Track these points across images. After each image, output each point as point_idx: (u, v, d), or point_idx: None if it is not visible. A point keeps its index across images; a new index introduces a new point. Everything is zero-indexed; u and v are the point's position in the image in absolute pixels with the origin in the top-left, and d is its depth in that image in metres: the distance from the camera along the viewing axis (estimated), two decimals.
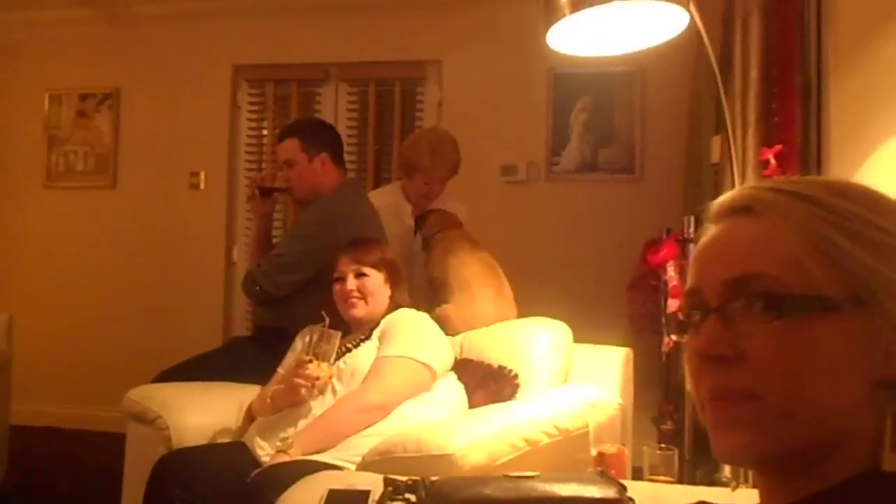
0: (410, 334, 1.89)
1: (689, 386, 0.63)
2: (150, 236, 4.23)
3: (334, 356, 1.84)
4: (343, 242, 2.03)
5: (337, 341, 1.85)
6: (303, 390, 1.77)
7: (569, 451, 1.65)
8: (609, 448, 1.52)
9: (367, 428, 1.71)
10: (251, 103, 4.19)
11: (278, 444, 1.67)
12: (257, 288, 2.37)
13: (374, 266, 1.95)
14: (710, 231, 0.64)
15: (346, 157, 3.85)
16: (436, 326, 2.01)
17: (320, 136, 2.57)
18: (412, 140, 2.94)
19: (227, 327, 4.16)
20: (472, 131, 3.85)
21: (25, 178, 4.41)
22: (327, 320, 1.87)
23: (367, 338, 1.91)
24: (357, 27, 3.99)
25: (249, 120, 4.19)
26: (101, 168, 4.32)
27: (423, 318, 1.99)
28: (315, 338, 1.89)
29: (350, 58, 4.00)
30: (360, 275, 1.94)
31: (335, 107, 4.09)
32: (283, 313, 2.35)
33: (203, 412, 1.95)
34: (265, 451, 1.73)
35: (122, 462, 2.10)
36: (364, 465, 1.56)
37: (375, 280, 1.95)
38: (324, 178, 2.49)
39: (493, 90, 3.85)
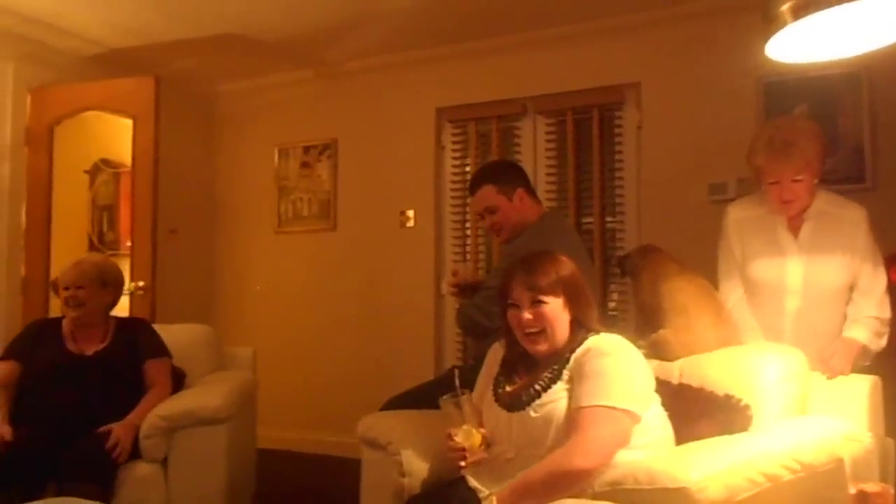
0: (605, 375, 1.69)
1: None
2: (367, 272, 4.56)
3: (474, 417, 1.79)
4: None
5: (469, 404, 1.78)
6: (460, 463, 1.74)
7: (815, 489, 1.51)
8: (871, 487, 1.37)
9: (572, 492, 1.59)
10: (454, 142, 4.39)
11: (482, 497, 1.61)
12: (471, 321, 2.46)
13: (550, 291, 1.78)
14: None
15: (547, 187, 3.97)
16: (632, 354, 1.79)
17: (509, 174, 2.63)
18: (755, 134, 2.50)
19: (438, 356, 4.34)
20: (675, 151, 3.75)
21: (260, 224, 4.95)
22: (457, 383, 1.79)
23: (557, 377, 1.75)
24: (552, 59, 4.05)
25: (453, 158, 4.39)
26: (323, 212, 4.73)
27: (615, 349, 1.76)
28: (449, 407, 1.79)
29: (546, 90, 4.06)
30: (536, 302, 1.78)
31: (534, 139, 4.16)
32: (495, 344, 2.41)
33: (429, 439, 2.03)
34: (487, 500, 1.71)
35: (358, 486, 2.24)
36: (592, 496, 1.54)
37: (554, 307, 1.78)
38: (526, 213, 2.55)
39: (695, 107, 3.71)
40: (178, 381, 2.83)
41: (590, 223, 3.97)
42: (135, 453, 2.43)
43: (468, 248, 4.32)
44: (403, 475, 1.97)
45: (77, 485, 2.12)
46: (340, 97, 4.71)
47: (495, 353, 1.98)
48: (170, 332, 2.96)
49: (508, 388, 1.84)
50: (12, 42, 3.85)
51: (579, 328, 1.81)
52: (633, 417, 1.68)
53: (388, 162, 4.53)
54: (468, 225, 4.33)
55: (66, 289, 2.68)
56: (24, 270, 3.89)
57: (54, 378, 2.56)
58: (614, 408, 1.64)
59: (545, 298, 1.77)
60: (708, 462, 1.47)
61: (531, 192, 2.62)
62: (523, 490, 1.63)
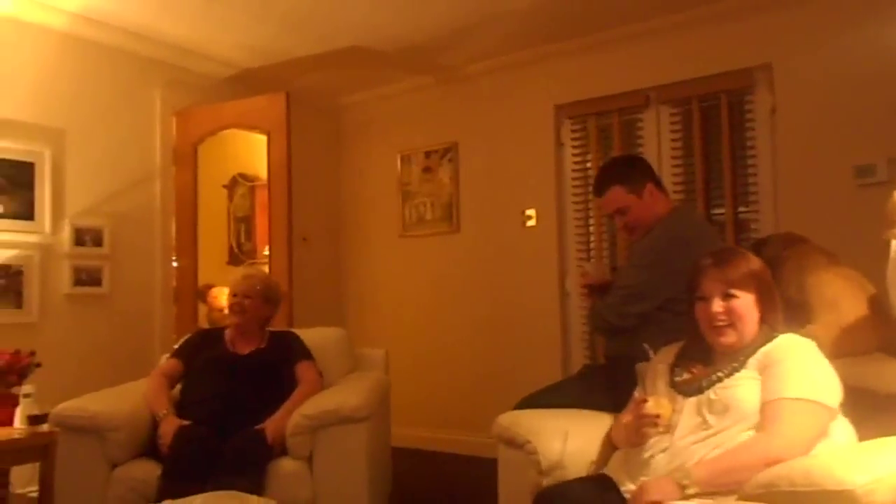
0: (805, 370, 1.66)
1: None
2: (491, 273, 4.58)
3: (667, 387, 1.78)
4: (691, 258, 1.88)
5: (663, 373, 1.77)
6: (647, 429, 1.73)
7: None
8: None
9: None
10: (574, 139, 4.34)
11: (677, 475, 1.58)
12: (603, 321, 2.42)
13: (743, 286, 1.75)
14: None
15: (673, 179, 3.86)
16: (823, 356, 1.73)
17: (636, 171, 2.55)
18: None
19: (565, 354, 4.30)
20: (814, 133, 3.54)
21: (385, 229, 5.10)
22: (650, 352, 1.81)
23: (742, 366, 1.72)
24: (674, 47, 3.92)
25: (574, 155, 4.34)
26: (446, 215, 4.81)
27: (811, 347, 1.73)
28: (644, 374, 1.82)
29: (670, 78, 3.93)
30: (727, 296, 1.75)
31: (657, 130, 4.04)
32: (630, 343, 2.35)
33: (567, 438, 2.02)
34: (630, 492, 1.68)
35: (492, 485, 2.26)
36: (745, 498, 1.48)
37: (745, 302, 1.74)
38: (657, 208, 2.47)
39: (835, 86, 3.48)
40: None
41: (720, 214, 3.81)
42: (282, 450, 2.57)
43: (592, 245, 4.26)
44: (542, 474, 1.97)
45: (233, 478, 2.26)
46: (459, 101, 4.77)
47: (665, 354, 1.94)
48: (306, 336, 3.11)
49: (686, 376, 1.81)
50: (159, 69, 4.18)
51: (766, 327, 1.77)
52: (832, 413, 1.64)
53: (508, 162, 4.54)
54: (591, 222, 4.27)
55: (235, 296, 2.93)
56: (175, 281, 4.19)
57: (213, 372, 2.78)
58: (817, 402, 1.61)
59: (737, 292, 1.75)
60: (874, 464, 1.37)
61: (660, 185, 2.54)
62: (722, 463, 1.59)
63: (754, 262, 1.81)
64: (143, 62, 4.10)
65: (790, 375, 1.65)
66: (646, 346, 1.80)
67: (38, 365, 3.20)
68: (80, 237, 3.76)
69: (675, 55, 3.91)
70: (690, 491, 1.55)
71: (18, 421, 3.00)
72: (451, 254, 4.78)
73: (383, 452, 3.10)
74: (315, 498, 2.54)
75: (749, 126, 3.77)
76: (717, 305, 1.75)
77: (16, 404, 3.03)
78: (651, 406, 1.72)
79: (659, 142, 4.02)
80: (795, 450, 1.55)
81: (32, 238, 3.58)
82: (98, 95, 3.91)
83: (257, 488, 2.32)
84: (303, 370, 2.88)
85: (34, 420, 2.98)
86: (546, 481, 1.96)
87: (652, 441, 1.73)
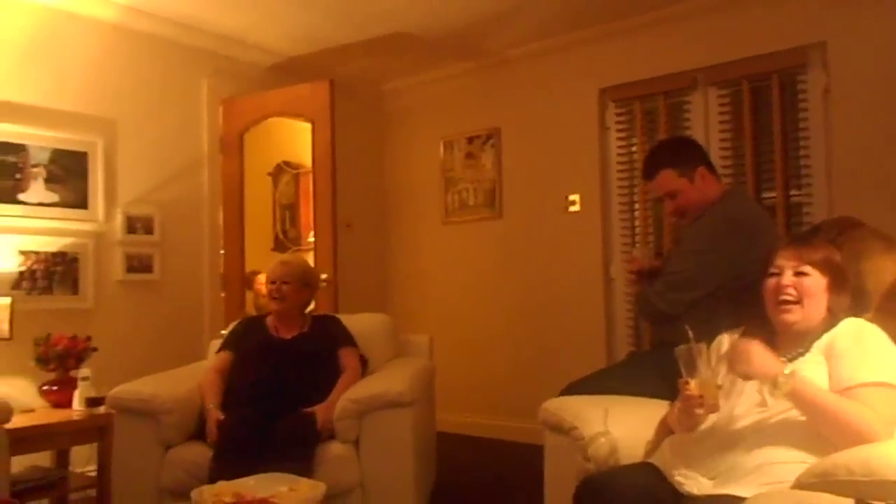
0: (878, 353, 1.61)
1: None
2: (534, 258, 4.57)
3: (709, 368, 1.75)
4: (741, 249, 1.87)
5: (705, 356, 1.75)
6: (696, 410, 1.70)
7: None
8: None
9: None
10: (619, 122, 4.27)
11: (780, 380, 1.56)
12: (651, 308, 2.39)
13: (817, 266, 1.71)
14: None
15: (721, 162, 3.78)
16: (891, 340, 1.68)
17: (688, 154, 2.48)
18: None
19: (609, 340, 4.27)
20: (869, 115, 3.43)
21: (428, 215, 5.11)
22: (691, 336, 1.77)
23: (807, 351, 1.69)
24: (722, 26, 3.83)
25: (619, 139, 4.28)
26: (489, 201, 4.79)
27: (878, 330, 1.69)
28: (685, 357, 1.79)
29: (718, 59, 3.84)
30: (799, 273, 1.71)
31: (705, 113, 3.95)
32: (678, 328, 2.31)
33: (614, 424, 2.00)
34: (686, 478, 1.67)
35: (537, 470, 2.26)
36: (798, 487, 1.45)
37: (816, 282, 1.71)
38: (708, 192, 2.41)
39: (895, 64, 3.35)
40: (363, 367, 3.00)
41: (772, 198, 3.72)
42: (330, 434, 2.61)
43: (637, 231, 4.20)
44: (588, 460, 1.96)
45: (283, 461, 2.31)
46: (501, 86, 4.74)
47: (720, 345, 1.92)
48: (351, 321, 3.14)
49: None
50: (206, 59, 4.25)
51: (832, 317, 1.73)
52: None
53: (551, 147, 4.50)
54: (636, 206, 4.21)
55: (273, 283, 2.98)
56: (223, 267, 4.27)
57: (258, 359, 2.83)
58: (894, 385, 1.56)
59: (809, 270, 1.72)
60: None
61: (711, 168, 2.48)
62: (821, 403, 1.55)
63: (835, 253, 1.78)
64: (190, 52, 4.17)
65: (864, 360, 1.60)
66: (687, 328, 1.77)
67: (95, 349, 3.32)
68: (131, 225, 3.86)
69: (724, 34, 3.82)
70: (781, 390, 1.55)
71: (77, 403, 3.11)
72: (494, 239, 4.76)
73: (428, 437, 3.13)
74: (362, 481, 2.58)
75: (802, 107, 3.67)
76: (788, 279, 1.72)
77: (74, 387, 3.15)
78: (694, 387, 1.70)
79: (706, 125, 3.94)
80: (882, 435, 1.49)
81: (87, 226, 3.69)
82: (147, 86, 3.99)
83: (306, 471, 2.35)
84: (346, 357, 2.92)
85: (92, 402, 3.09)
86: (594, 467, 1.95)
87: (706, 427, 1.71)
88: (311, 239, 4.35)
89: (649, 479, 1.75)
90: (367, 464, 2.59)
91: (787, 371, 1.59)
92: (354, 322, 3.15)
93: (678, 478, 1.68)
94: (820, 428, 1.54)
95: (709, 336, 1.94)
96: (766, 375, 1.60)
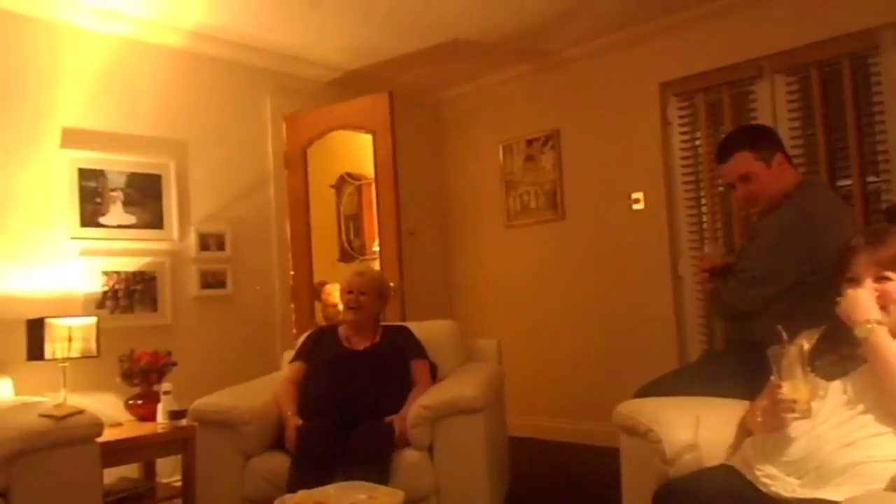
0: None
1: None
2: (599, 258, 4.51)
3: (804, 371, 1.69)
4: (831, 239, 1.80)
5: (798, 356, 1.69)
6: (787, 415, 1.65)
7: None
8: None
9: None
10: (681, 116, 4.19)
11: (866, 325, 1.59)
12: (726, 306, 2.32)
13: None
14: None
15: (792, 151, 3.62)
16: None
17: (768, 139, 2.40)
18: None
19: (680, 340, 4.18)
20: None
21: (490, 220, 5.11)
22: (784, 336, 1.71)
23: None
24: (788, 12, 3.70)
25: (681, 133, 4.19)
26: (550, 203, 4.76)
27: None
28: (778, 358, 1.73)
29: (784, 46, 3.72)
30: (881, 279, 1.66)
31: (772, 102, 3.84)
32: (754, 326, 2.25)
33: (692, 425, 1.96)
34: (772, 479, 1.62)
35: (610, 473, 2.23)
36: (893, 488, 1.39)
37: None
38: (784, 180, 2.32)
39: None
40: (433, 375, 3.02)
41: (847, 185, 3.58)
42: (404, 442, 2.63)
43: (705, 227, 4.10)
44: (667, 463, 1.92)
45: (360, 469, 2.35)
46: (559, 86, 4.71)
47: (805, 338, 1.86)
48: (420, 329, 3.17)
49: (830, 358, 1.74)
50: (269, 77, 4.37)
51: None
52: None
53: (612, 145, 4.45)
54: (703, 202, 4.11)
55: (350, 292, 3.03)
56: (291, 280, 4.37)
57: (331, 369, 2.89)
58: None
59: (891, 274, 1.66)
60: None
61: (788, 157, 2.40)
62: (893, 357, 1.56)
63: None
64: (252, 72, 4.29)
65: None
66: (779, 327, 1.71)
67: (175, 364, 3.44)
68: (204, 242, 3.99)
69: (790, 20, 3.70)
70: (859, 333, 1.58)
71: (161, 416, 3.23)
72: (558, 241, 4.73)
73: (501, 442, 3.12)
74: (437, 487, 2.59)
75: (876, 91, 3.52)
76: (868, 288, 1.66)
77: (157, 401, 3.27)
78: (787, 390, 1.64)
79: (774, 114, 3.82)
80: None
81: (163, 245, 3.84)
82: (214, 107, 4.13)
83: (383, 479, 2.39)
84: (418, 369, 2.95)
85: (174, 415, 3.21)
86: (672, 470, 1.91)
87: (792, 426, 1.66)
88: (376, 248, 4.40)
89: (732, 483, 1.71)
90: (442, 470, 2.60)
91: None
92: (423, 329, 3.17)
93: (763, 479, 1.63)
94: (886, 387, 1.54)
95: (788, 334, 1.88)
96: (856, 319, 1.62)
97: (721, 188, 4.02)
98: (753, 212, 2.48)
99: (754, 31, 3.82)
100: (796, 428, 1.65)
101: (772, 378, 1.79)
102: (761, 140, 2.38)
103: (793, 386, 1.64)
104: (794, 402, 1.63)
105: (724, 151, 2.42)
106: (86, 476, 2.51)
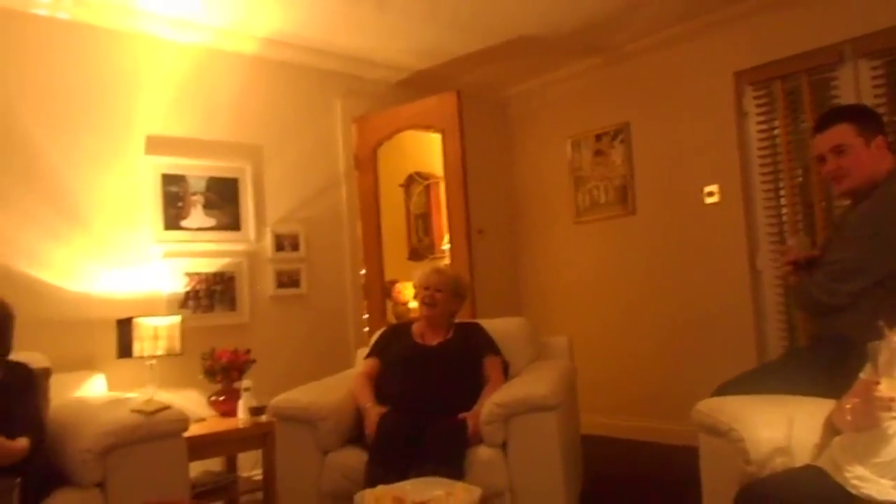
0: None
1: None
2: (672, 253, 4.42)
3: None
4: None
5: None
6: (883, 413, 1.59)
7: None
8: None
9: None
10: (758, 106, 4.05)
11: None
12: (811, 300, 2.24)
13: None
14: None
15: None
16: None
17: (874, 118, 2.28)
18: None
19: (759, 336, 4.04)
20: None
21: (559, 216, 5.07)
22: (887, 332, 1.64)
23: None
24: None
25: (759, 123, 4.05)
26: (620, 198, 4.69)
27: None
28: (878, 354, 1.66)
29: (868, 28, 3.55)
30: None
31: (856, 88, 3.67)
32: (842, 321, 2.16)
33: (774, 424, 1.90)
34: (863, 481, 1.57)
35: (687, 473, 2.19)
36: None
37: None
38: (879, 166, 2.19)
39: None
40: (505, 372, 3.02)
41: None
42: (478, 439, 2.64)
43: (784, 219, 3.96)
44: (749, 463, 1.87)
45: (436, 465, 2.37)
46: (628, 79, 4.63)
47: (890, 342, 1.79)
48: (491, 326, 3.18)
49: None
50: (338, 81, 4.45)
51: None
52: None
53: (685, 137, 4.34)
54: (782, 194, 3.97)
55: (426, 289, 3.07)
56: (363, 278, 4.45)
57: (405, 366, 2.93)
58: None
59: None
60: None
61: (889, 144, 2.25)
62: None
63: None
64: (322, 75, 4.39)
65: None
66: (881, 323, 1.64)
67: (254, 361, 3.55)
68: (279, 243, 4.10)
69: (873, 1, 3.53)
70: None
71: (241, 412, 3.34)
72: (628, 236, 4.65)
73: (574, 439, 3.11)
74: (511, 484, 2.60)
75: None
76: None
77: (238, 397, 3.38)
78: (885, 388, 1.58)
79: (859, 100, 3.64)
80: None
81: (240, 247, 3.96)
82: (287, 110, 4.23)
83: (458, 475, 2.41)
84: (490, 366, 2.96)
85: (255, 411, 3.32)
86: (755, 470, 1.86)
87: (885, 424, 1.60)
88: (445, 246, 4.43)
89: (820, 485, 1.66)
90: (515, 468, 2.61)
91: None
92: (494, 326, 3.18)
93: (854, 480, 1.58)
94: None
95: (877, 330, 1.80)
96: None
97: (800, 179, 3.88)
98: (836, 192, 2.37)
99: (834, 15, 3.67)
100: (890, 427, 1.59)
101: (861, 375, 1.73)
102: (866, 118, 2.27)
103: (891, 383, 1.58)
104: (893, 399, 1.57)
105: (825, 121, 2.31)
106: (174, 468, 2.61)
